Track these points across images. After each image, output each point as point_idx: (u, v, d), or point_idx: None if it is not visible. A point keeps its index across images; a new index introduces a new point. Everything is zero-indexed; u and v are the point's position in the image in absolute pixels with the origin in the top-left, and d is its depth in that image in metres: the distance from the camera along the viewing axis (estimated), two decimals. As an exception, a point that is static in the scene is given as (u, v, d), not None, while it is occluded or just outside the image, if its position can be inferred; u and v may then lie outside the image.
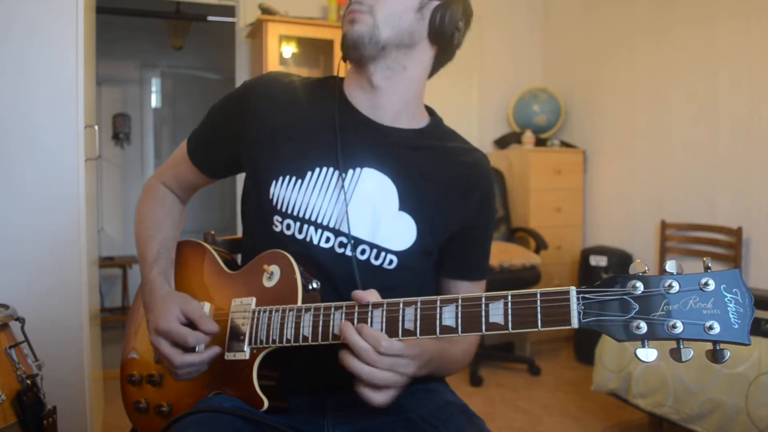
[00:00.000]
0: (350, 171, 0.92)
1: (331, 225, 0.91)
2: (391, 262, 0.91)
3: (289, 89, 0.98)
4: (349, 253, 0.90)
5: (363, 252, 0.91)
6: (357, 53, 0.90)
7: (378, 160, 0.93)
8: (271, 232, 0.93)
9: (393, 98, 0.94)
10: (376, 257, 0.91)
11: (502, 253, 3.16)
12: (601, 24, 3.67)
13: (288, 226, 0.92)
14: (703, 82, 2.99)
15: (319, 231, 0.91)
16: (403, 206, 0.92)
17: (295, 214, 0.92)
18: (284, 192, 0.92)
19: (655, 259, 3.26)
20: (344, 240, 0.90)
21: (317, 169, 0.92)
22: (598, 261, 3.30)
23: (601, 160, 3.70)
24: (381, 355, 0.73)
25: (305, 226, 0.91)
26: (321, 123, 0.95)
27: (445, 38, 0.92)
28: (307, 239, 0.91)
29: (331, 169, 0.92)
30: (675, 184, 3.17)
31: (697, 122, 3.03)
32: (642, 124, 3.38)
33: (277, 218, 0.93)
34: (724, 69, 2.88)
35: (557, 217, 3.68)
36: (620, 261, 3.28)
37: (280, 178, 0.93)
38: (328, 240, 0.91)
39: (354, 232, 0.90)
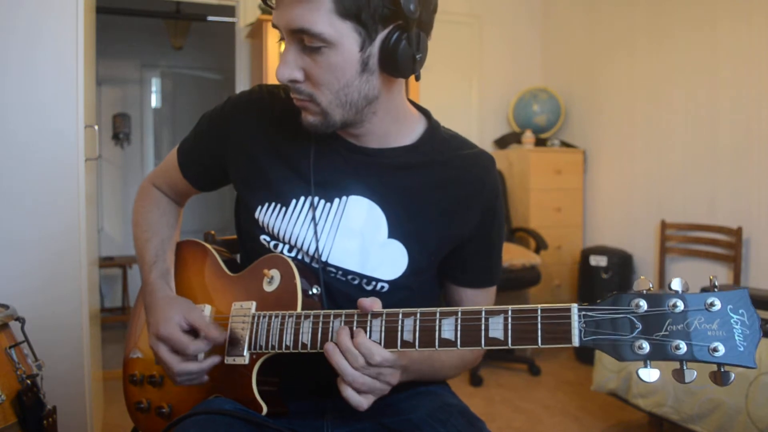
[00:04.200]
0: (336, 200, 0.89)
1: (317, 256, 0.88)
2: (382, 288, 0.89)
3: (274, 110, 0.94)
4: (340, 277, 0.89)
5: (353, 279, 0.89)
6: (320, 135, 0.86)
7: (365, 187, 0.88)
8: (261, 247, 0.93)
9: (375, 126, 0.87)
10: (368, 284, 0.89)
11: (503, 253, 3.16)
12: (601, 24, 3.67)
13: (276, 246, 0.91)
14: (703, 82, 2.99)
15: (308, 257, 0.90)
16: (393, 233, 0.88)
17: (281, 239, 0.91)
18: (269, 219, 0.90)
19: (656, 260, 3.26)
20: (332, 269, 0.89)
21: (301, 198, 0.90)
22: (598, 261, 3.30)
23: (601, 160, 3.70)
24: (369, 365, 0.73)
25: (294, 249, 0.91)
26: (303, 150, 0.90)
27: (407, 73, 0.80)
28: (298, 257, 0.91)
29: (316, 198, 0.89)
30: (675, 184, 3.17)
31: (697, 122, 3.03)
32: (642, 124, 3.38)
33: (264, 237, 0.92)
34: (724, 69, 2.88)
35: (557, 217, 3.68)
36: (620, 261, 3.28)
37: (266, 205, 0.91)
38: (318, 263, 0.89)
39: (342, 264, 0.88)
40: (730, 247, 2.82)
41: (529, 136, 3.77)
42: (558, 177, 3.68)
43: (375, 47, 0.77)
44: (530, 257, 3.22)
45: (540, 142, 3.85)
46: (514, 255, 3.19)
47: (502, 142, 3.97)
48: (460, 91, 3.98)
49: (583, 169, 3.79)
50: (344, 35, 0.75)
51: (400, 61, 0.77)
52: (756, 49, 2.72)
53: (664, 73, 3.22)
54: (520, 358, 3.34)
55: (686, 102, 3.09)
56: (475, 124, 4.01)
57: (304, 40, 0.76)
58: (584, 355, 3.25)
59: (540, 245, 3.40)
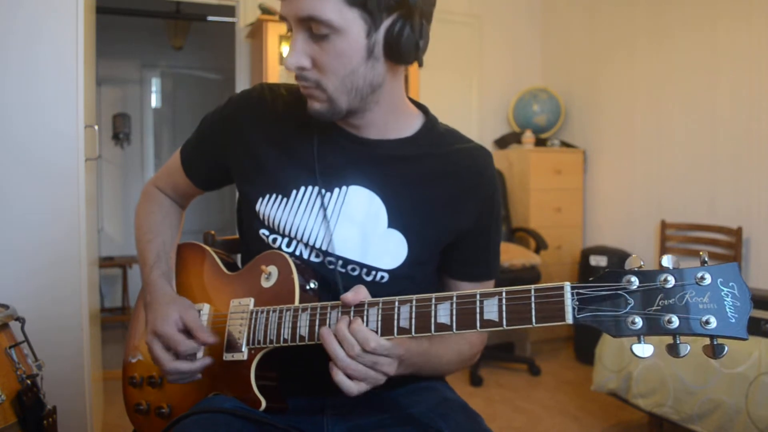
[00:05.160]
0: (336, 189, 0.90)
1: (317, 245, 0.89)
2: (383, 278, 0.90)
3: (275, 106, 0.95)
4: (340, 269, 0.89)
5: (354, 270, 0.90)
6: (325, 122, 0.87)
7: (365, 177, 0.90)
8: (261, 242, 0.93)
9: (376, 116, 0.89)
10: (368, 274, 0.89)
11: (502, 253, 3.15)
12: (601, 24, 3.67)
13: (275, 240, 0.92)
14: (703, 83, 2.99)
15: (308, 248, 0.90)
16: (393, 223, 0.89)
17: (281, 231, 0.91)
18: (270, 210, 0.91)
19: (656, 259, 3.26)
20: (332, 259, 0.89)
21: (302, 188, 0.91)
22: (598, 261, 3.30)
23: (601, 160, 3.70)
24: (365, 352, 0.73)
25: (293, 242, 0.91)
26: (305, 141, 0.92)
27: (410, 60, 0.83)
28: (297, 253, 0.91)
29: (315, 188, 0.90)
30: (675, 184, 3.17)
31: (697, 122, 3.03)
32: (642, 124, 3.38)
33: (264, 232, 0.93)
34: (724, 69, 2.88)
35: (557, 217, 3.68)
36: (620, 261, 3.28)
37: (267, 196, 0.92)
38: (318, 256, 0.90)
39: (342, 253, 0.89)
40: (730, 247, 2.82)
41: (529, 136, 3.77)
42: (558, 177, 3.68)
43: (380, 34, 0.80)
44: (530, 257, 3.22)
45: (540, 142, 3.85)
46: (514, 255, 3.19)
47: (502, 142, 3.97)
48: (460, 91, 3.97)
49: (583, 169, 3.79)
50: (351, 22, 0.77)
51: (404, 47, 0.80)
52: (756, 49, 2.72)
53: (664, 73, 3.22)
54: (520, 358, 3.34)
55: (686, 102, 3.09)
56: (475, 124, 4.01)
57: (311, 28, 0.78)
58: (584, 355, 3.24)
59: (540, 245, 3.40)
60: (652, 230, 3.31)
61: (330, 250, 0.89)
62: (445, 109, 3.86)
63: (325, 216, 0.89)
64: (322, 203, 0.89)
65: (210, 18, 3.76)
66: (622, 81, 3.51)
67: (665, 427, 2.23)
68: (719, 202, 2.92)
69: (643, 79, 3.36)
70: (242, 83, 3.53)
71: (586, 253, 3.38)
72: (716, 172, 2.93)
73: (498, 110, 4.07)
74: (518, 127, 3.97)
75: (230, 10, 3.55)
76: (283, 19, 0.82)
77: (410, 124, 0.93)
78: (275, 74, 3.07)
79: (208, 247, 1.04)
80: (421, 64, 0.84)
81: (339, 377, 0.75)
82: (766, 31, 2.67)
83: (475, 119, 4.01)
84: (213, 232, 1.20)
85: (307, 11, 0.76)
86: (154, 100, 5.03)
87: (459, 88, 3.96)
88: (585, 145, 3.82)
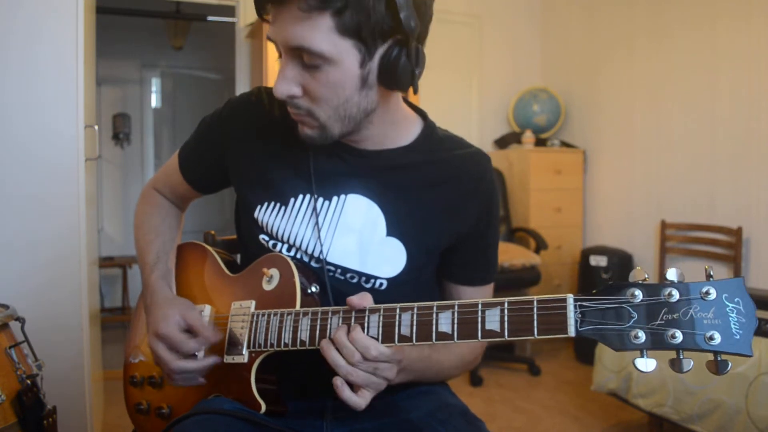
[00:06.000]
0: (334, 198, 0.89)
1: (315, 254, 0.89)
2: (381, 285, 0.89)
3: (272, 111, 0.94)
4: (339, 275, 0.89)
5: (352, 278, 0.89)
6: (316, 146, 0.85)
7: (363, 186, 0.89)
8: (261, 247, 0.93)
9: (372, 132, 0.87)
10: (366, 282, 0.89)
11: (502, 253, 3.16)
12: (601, 24, 3.67)
13: (275, 246, 0.92)
14: (703, 82, 2.99)
15: (307, 256, 0.90)
16: (392, 231, 0.89)
17: (280, 237, 0.91)
18: (268, 218, 0.91)
19: (656, 259, 3.26)
20: (331, 267, 0.89)
21: (300, 197, 0.90)
22: (598, 261, 3.30)
23: (601, 160, 3.70)
24: (366, 360, 0.73)
25: (293, 248, 0.91)
26: (302, 150, 0.90)
27: (405, 87, 0.80)
28: (297, 256, 0.91)
29: (314, 197, 0.90)
30: (675, 184, 3.17)
31: (697, 122, 3.03)
32: (642, 123, 3.38)
33: (263, 237, 0.92)
34: (723, 69, 2.88)
35: (557, 217, 3.68)
36: (620, 261, 3.28)
37: (265, 204, 0.91)
38: (317, 263, 0.90)
39: (341, 262, 0.88)
40: (730, 247, 2.82)
41: (529, 136, 3.77)
42: (558, 177, 3.68)
43: (374, 63, 0.77)
44: (530, 257, 3.22)
45: (540, 142, 3.85)
46: (514, 255, 3.19)
47: (502, 142, 3.97)
48: (460, 91, 3.97)
49: (583, 169, 3.79)
50: (345, 53, 0.74)
51: (400, 76, 0.77)
52: (756, 49, 2.72)
53: (664, 72, 3.22)
54: (520, 358, 3.34)
55: (686, 102, 3.09)
56: (475, 124, 4.01)
57: (303, 57, 0.75)
58: (584, 355, 3.25)
59: (540, 245, 3.40)
60: (652, 230, 3.31)
61: (329, 259, 0.89)
62: (445, 109, 3.87)
63: (318, 226, 0.88)
64: (316, 214, 0.89)
65: (210, 18, 3.76)
66: (621, 81, 3.51)
67: (665, 427, 2.23)
68: (719, 202, 2.92)
69: (642, 79, 3.36)
70: (242, 83, 3.54)
71: (586, 253, 3.37)
72: (716, 172, 2.93)
73: (498, 110, 4.07)
74: (518, 127, 3.97)
75: (230, 10, 3.55)
76: (271, 40, 0.79)
77: (408, 132, 0.92)
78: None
79: (209, 247, 1.04)
80: (415, 91, 0.81)
81: (346, 394, 0.74)
82: (766, 31, 2.67)
83: (475, 119, 4.01)
84: (213, 232, 1.20)
85: (298, 41, 0.73)
86: (154, 100, 5.03)
87: (459, 88, 3.96)
88: (585, 145, 3.82)
